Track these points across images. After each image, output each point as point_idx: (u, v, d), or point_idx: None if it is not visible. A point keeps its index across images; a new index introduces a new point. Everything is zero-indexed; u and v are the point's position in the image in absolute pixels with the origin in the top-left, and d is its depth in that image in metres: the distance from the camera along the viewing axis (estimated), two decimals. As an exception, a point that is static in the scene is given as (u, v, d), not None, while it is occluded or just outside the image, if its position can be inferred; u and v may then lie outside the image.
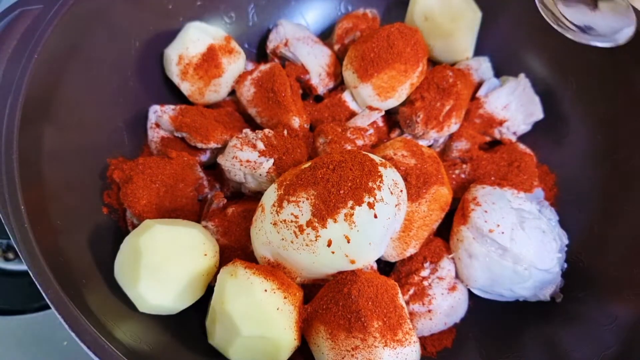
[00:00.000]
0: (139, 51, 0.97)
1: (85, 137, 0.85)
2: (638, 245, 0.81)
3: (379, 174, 0.73)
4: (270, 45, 1.08)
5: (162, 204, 0.84)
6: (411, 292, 0.82)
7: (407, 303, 0.81)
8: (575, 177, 0.96)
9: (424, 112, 0.95)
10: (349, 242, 0.69)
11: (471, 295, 0.87)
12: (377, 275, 0.76)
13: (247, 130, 0.91)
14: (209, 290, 0.76)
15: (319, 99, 1.08)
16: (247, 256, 0.79)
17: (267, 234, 0.72)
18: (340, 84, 1.09)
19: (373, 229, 0.70)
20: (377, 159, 0.77)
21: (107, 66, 0.91)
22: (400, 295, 0.76)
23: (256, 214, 0.76)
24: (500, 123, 1.00)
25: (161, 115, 0.94)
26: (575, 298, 0.83)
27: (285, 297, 0.71)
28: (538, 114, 1.00)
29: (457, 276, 0.86)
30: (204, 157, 0.96)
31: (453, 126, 0.98)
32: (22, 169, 0.69)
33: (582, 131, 0.97)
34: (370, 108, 0.99)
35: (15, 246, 0.65)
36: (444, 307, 0.82)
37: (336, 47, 1.10)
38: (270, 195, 0.74)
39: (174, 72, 0.98)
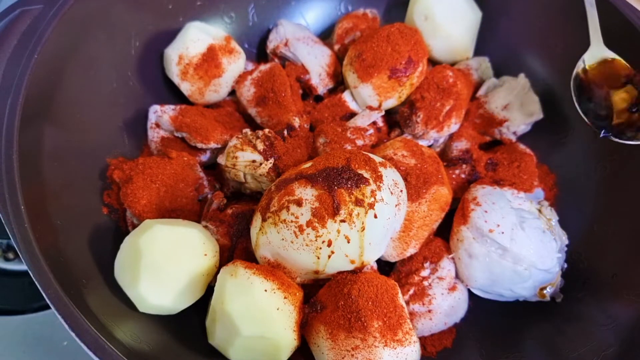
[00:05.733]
0: (139, 51, 0.97)
1: (85, 137, 0.85)
2: (638, 245, 0.81)
3: (379, 174, 0.73)
4: (270, 45, 1.08)
5: (162, 204, 0.84)
6: (411, 292, 0.82)
7: (407, 303, 0.81)
8: (575, 177, 0.96)
9: (424, 112, 0.95)
10: (348, 242, 0.69)
11: (471, 295, 0.87)
12: (377, 275, 0.76)
13: (247, 130, 0.91)
14: (209, 290, 0.76)
15: (319, 99, 1.08)
16: (247, 256, 0.79)
17: (267, 234, 0.72)
18: (340, 84, 1.09)
19: (373, 229, 0.71)
20: (377, 159, 0.77)
21: (107, 66, 0.91)
22: (400, 295, 0.76)
23: (256, 214, 0.76)
24: (500, 123, 1.00)
25: (161, 115, 0.94)
26: (575, 298, 0.83)
27: (285, 297, 0.71)
28: (538, 114, 1.00)
29: (457, 276, 0.86)
30: (204, 157, 0.96)
31: (453, 126, 0.98)
32: (22, 169, 0.69)
33: (582, 131, 0.97)
34: (370, 108, 0.99)
35: (15, 246, 0.65)
36: (444, 307, 0.82)
37: (336, 47, 1.10)
38: (270, 195, 0.74)
39: (174, 72, 0.98)
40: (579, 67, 0.86)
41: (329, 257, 0.70)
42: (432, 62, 1.08)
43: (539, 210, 0.85)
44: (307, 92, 1.08)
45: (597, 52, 0.85)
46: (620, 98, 0.82)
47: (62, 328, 0.61)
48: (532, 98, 1.01)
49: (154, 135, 0.95)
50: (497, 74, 1.08)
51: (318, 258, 0.70)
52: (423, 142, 0.96)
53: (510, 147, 1.00)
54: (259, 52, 1.15)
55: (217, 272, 0.75)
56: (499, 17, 1.08)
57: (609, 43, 0.92)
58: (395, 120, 1.03)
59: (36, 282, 0.63)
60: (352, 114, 1.01)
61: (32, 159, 0.74)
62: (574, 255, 0.87)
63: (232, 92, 1.04)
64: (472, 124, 1.01)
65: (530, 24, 1.05)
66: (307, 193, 0.70)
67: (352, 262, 0.72)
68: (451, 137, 1.01)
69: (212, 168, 0.97)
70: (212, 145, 0.92)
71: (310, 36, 1.09)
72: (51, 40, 0.78)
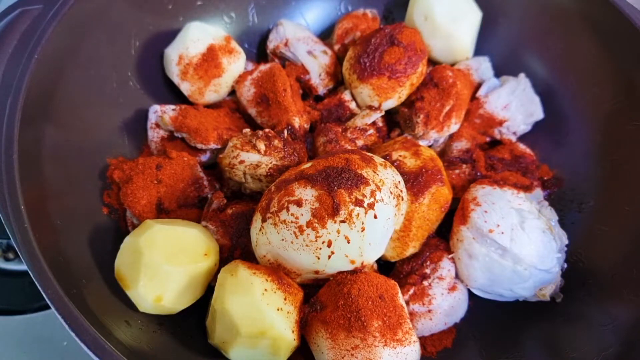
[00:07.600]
0: (139, 51, 0.97)
1: (85, 137, 0.85)
2: (638, 245, 0.81)
3: (379, 174, 0.73)
4: (270, 45, 1.08)
5: (162, 204, 0.84)
6: (411, 292, 0.82)
7: (407, 303, 0.81)
8: (575, 177, 0.96)
9: (424, 112, 0.95)
10: (348, 242, 0.69)
11: (471, 295, 0.87)
12: (377, 275, 0.76)
13: (247, 130, 0.91)
14: (209, 290, 0.76)
15: (319, 99, 1.08)
16: (247, 256, 0.79)
17: (267, 234, 0.72)
18: (340, 84, 1.09)
19: (373, 229, 0.70)
20: (377, 159, 0.77)
21: (107, 66, 0.91)
22: (400, 295, 0.76)
23: (256, 214, 0.76)
24: (500, 123, 1.00)
25: (161, 115, 0.94)
26: (575, 298, 0.83)
27: (285, 297, 0.71)
28: (538, 114, 1.00)
29: (457, 276, 0.86)
30: (204, 157, 0.96)
31: (453, 126, 0.98)
32: (22, 169, 0.69)
33: (582, 131, 0.97)
34: (370, 108, 0.99)
35: (15, 246, 0.65)
36: (444, 307, 0.82)
37: (336, 47, 1.10)
38: (270, 196, 0.74)
39: (174, 72, 0.98)
40: None
41: (329, 257, 0.70)
42: (432, 62, 1.08)
43: (539, 210, 0.85)
44: (307, 92, 1.08)
45: None
46: None
47: (62, 328, 0.61)
48: (532, 98, 1.01)
49: (154, 135, 0.95)
50: (497, 74, 1.08)
51: (318, 258, 0.70)
52: (423, 142, 0.96)
53: (510, 147, 1.00)
54: (259, 52, 1.15)
55: (217, 272, 0.75)
56: (499, 17, 1.08)
57: (609, 43, 0.92)
58: (395, 121, 1.03)
59: (36, 282, 0.63)
60: (352, 114, 1.01)
61: (32, 159, 0.74)
62: (574, 255, 0.87)
63: (232, 92, 1.04)
64: (472, 124, 1.01)
65: (530, 24, 1.05)
66: (307, 193, 0.70)
67: (352, 262, 0.72)
68: (451, 137, 1.01)
69: (212, 168, 0.97)
70: (212, 145, 0.92)
71: (310, 36, 1.09)
72: (51, 40, 0.78)
